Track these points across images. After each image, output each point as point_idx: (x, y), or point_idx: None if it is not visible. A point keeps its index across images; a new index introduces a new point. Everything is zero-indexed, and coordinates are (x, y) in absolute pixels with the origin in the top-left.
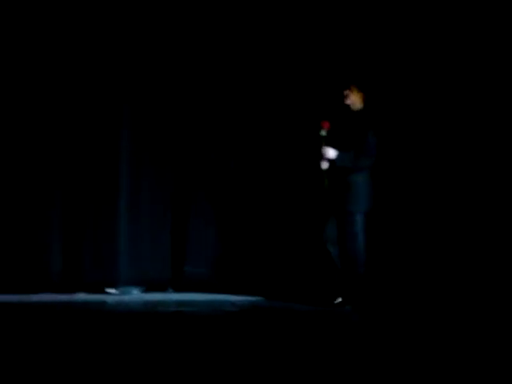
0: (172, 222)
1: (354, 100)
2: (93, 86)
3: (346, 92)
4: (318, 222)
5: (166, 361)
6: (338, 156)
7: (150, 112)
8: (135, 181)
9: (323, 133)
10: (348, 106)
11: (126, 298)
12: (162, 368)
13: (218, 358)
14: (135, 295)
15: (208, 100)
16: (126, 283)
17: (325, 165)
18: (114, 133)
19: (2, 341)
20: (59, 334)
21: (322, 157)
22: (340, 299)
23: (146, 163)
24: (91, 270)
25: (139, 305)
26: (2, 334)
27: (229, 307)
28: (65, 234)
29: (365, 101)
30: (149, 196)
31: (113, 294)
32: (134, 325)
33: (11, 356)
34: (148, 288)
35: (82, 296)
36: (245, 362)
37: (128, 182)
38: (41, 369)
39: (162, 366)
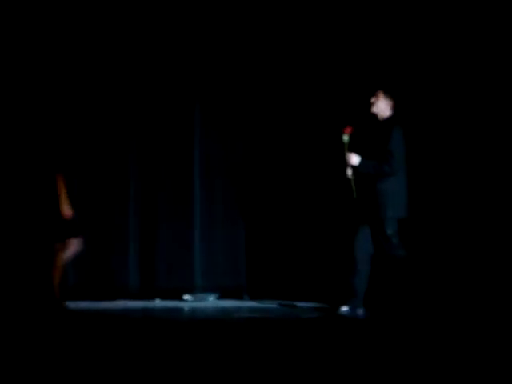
0: (245, 229)
1: (382, 108)
2: (166, 90)
3: (372, 99)
4: (349, 230)
5: (239, 365)
6: (361, 162)
7: (221, 120)
8: (209, 189)
9: (345, 138)
10: (375, 114)
11: (201, 304)
12: (235, 373)
13: (286, 363)
14: (210, 302)
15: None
16: (202, 290)
17: (349, 171)
18: (187, 145)
19: (84, 347)
20: (139, 339)
21: (346, 164)
22: (346, 308)
23: (220, 171)
24: (167, 277)
25: (214, 311)
26: (84, 341)
27: (304, 314)
28: (141, 242)
29: (394, 108)
30: (222, 204)
31: (189, 301)
32: (210, 330)
33: (94, 361)
34: (223, 295)
35: (158, 303)
36: (314, 367)
37: (202, 190)
38: (124, 373)
39: (234, 370)
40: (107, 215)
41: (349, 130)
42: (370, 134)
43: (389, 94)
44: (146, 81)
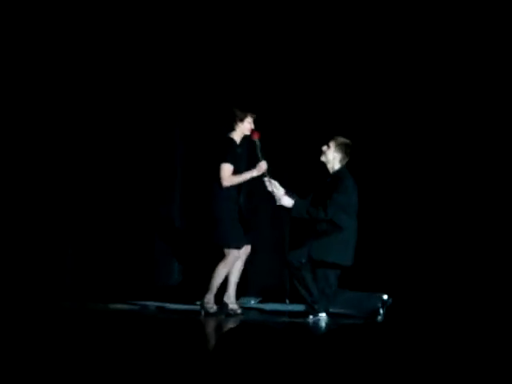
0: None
1: (330, 159)
2: None
3: (323, 148)
4: None
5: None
6: (295, 205)
7: None
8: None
9: (257, 142)
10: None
11: (244, 307)
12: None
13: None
14: (252, 305)
15: None
16: (245, 294)
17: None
18: None
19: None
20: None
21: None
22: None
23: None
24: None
25: (255, 314)
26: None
27: (344, 319)
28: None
29: (344, 163)
30: (266, 210)
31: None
32: (250, 334)
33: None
34: (265, 299)
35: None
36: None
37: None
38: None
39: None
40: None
41: (257, 135)
42: (321, 184)
43: (341, 147)
44: None
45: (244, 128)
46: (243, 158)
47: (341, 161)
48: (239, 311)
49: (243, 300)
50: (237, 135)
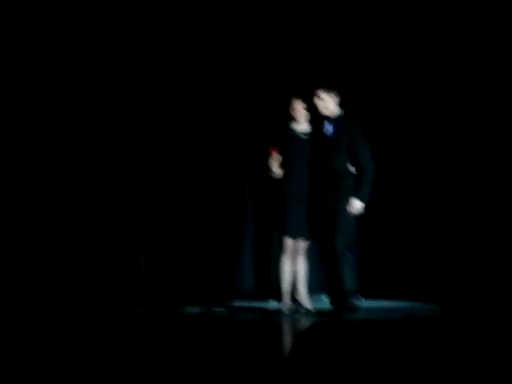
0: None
1: (332, 106)
2: None
3: (318, 103)
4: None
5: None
6: (361, 198)
7: None
8: None
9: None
10: (325, 115)
11: (315, 304)
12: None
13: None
14: (325, 301)
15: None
16: (316, 290)
17: None
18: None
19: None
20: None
21: None
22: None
23: None
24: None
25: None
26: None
27: (416, 313)
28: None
29: (338, 103)
30: None
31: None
32: (326, 332)
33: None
34: None
35: (273, 303)
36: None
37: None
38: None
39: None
40: (227, 232)
41: (275, 149)
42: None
43: (331, 91)
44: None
45: (297, 113)
46: (306, 144)
47: (338, 103)
48: (313, 310)
49: (316, 296)
50: (294, 123)
